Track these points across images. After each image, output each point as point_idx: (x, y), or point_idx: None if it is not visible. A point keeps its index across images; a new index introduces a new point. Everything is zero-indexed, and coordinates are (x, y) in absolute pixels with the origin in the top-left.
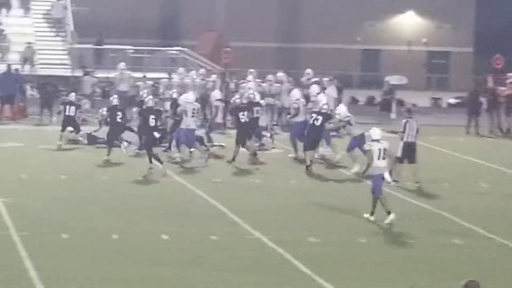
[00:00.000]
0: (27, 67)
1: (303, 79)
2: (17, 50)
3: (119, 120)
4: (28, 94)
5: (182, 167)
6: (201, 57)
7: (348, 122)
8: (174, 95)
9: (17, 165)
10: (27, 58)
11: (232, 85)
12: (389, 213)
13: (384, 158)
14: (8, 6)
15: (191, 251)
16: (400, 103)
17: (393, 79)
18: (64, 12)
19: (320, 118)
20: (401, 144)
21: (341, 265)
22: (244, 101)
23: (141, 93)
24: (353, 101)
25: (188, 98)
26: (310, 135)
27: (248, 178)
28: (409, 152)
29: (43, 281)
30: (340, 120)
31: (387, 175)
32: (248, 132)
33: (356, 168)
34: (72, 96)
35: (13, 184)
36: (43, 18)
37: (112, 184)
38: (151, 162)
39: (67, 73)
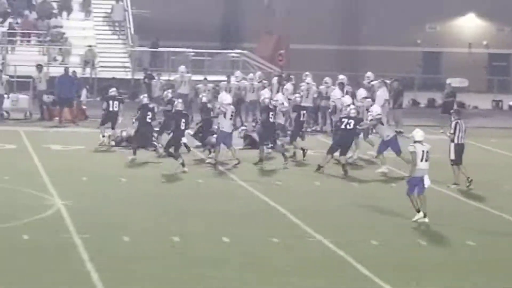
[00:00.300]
0: (88, 70)
1: (364, 82)
2: (78, 53)
3: (148, 120)
4: (83, 97)
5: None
6: (261, 60)
7: (380, 121)
8: (204, 99)
9: (78, 168)
10: (88, 61)
11: (289, 87)
12: (418, 211)
13: (426, 160)
14: (69, 10)
15: (252, 254)
16: (461, 105)
17: (454, 82)
18: (124, 14)
19: (352, 122)
20: (452, 146)
21: (401, 267)
22: (285, 104)
23: (165, 93)
24: (414, 103)
25: (227, 100)
26: (341, 140)
27: (307, 180)
28: (459, 153)
29: (105, 284)
30: (371, 119)
31: (426, 178)
32: (273, 132)
33: (383, 169)
34: (114, 91)
35: (74, 187)
36: (104, 21)
37: (171, 186)
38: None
39: (128, 76)
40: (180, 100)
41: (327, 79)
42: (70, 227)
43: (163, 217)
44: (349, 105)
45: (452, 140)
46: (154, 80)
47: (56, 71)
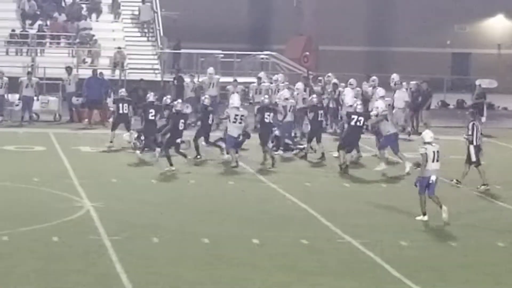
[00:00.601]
0: (117, 72)
1: (391, 84)
2: (107, 55)
3: (151, 118)
4: (109, 99)
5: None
6: (290, 61)
7: (385, 118)
8: (206, 101)
9: (108, 169)
10: (117, 63)
11: (318, 88)
12: (424, 214)
13: (437, 161)
14: (98, 12)
15: (282, 255)
16: (490, 106)
17: (483, 83)
18: (151, 14)
19: (362, 119)
20: (472, 148)
21: (431, 268)
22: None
23: (165, 98)
24: (443, 104)
25: (233, 103)
26: (349, 136)
27: (336, 182)
28: (478, 154)
29: (134, 285)
30: (377, 115)
31: (434, 177)
32: (270, 132)
33: (382, 167)
34: (123, 92)
35: (104, 189)
36: (132, 22)
37: (201, 188)
38: (171, 164)
39: (157, 77)
40: (179, 101)
41: (352, 80)
42: (100, 229)
43: (193, 219)
44: (351, 106)
45: (471, 142)
46: (186, 82)
47: (85, 73)
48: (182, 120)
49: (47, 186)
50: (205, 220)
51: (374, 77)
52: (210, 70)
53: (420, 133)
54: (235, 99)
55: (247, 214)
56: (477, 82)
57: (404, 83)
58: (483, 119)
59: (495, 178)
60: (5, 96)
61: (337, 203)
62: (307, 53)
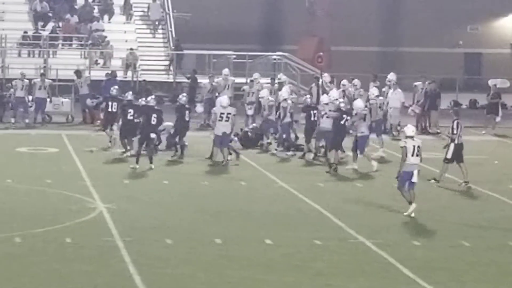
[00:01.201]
0: (129, 73)
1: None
2: (120, 57)
3: (130, 118)
4: None
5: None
6: (303, 62)
7: (363, 118)
8: (183, 100)
9: (120, 171)
10: (130, 64)
11: (287, 89)
12: (410, 203)
13: (417, 155)
14: (111, 13)
15: (295, 256)
16: (503, 106)
17: (496, 83)
18: (161, 13)
19: (349, 118)
20: (452, 146)
21: (444, 268)
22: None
23: (126, 94)
24: (456, 104)
25: (222, 102)
26: (340, 136)
27: (348, 181)
28: (459, 152)
29: (147, 287)
30: (356, 114)
31: (415, 174)
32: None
33: (375, 167)
34: (114, 90)
35: (116, 190)
36: (144, 23)
37: (214, 188)
38: (137, 162)
39: (170, 79)
40: (153, 97)
41: (356, 81)
42: (113, 230)
43: (205, 219)
44: (328, 103)
45: (453, 140)
46: (203, 83)
47: (97, 74)
48: (154, 115)
49: (59, 188)
50: (217, 221)
51: (389, 77)
52: (225, 71)
53: (430, 133)
54: (224, 100)
55: (259, 214)
56: (491, 82)
57: (419, 83)
58: (498, 118)
59: (508, 177)
60: (26, 98)
61: (349, 203)
62: (321, 53)
